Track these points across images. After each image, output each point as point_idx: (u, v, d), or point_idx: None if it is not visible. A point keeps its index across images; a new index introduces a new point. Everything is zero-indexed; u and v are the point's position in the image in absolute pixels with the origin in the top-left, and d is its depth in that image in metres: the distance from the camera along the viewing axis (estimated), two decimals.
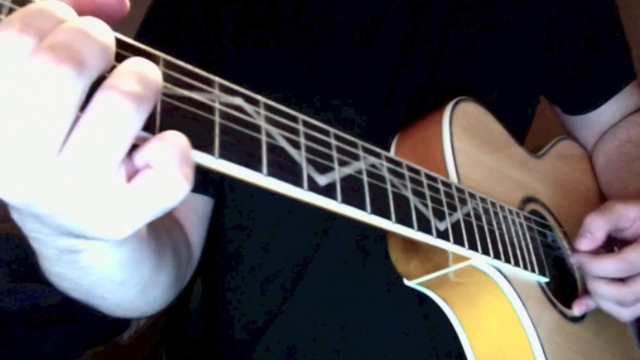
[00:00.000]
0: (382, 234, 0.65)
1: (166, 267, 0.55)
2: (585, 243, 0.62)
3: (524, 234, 0.62)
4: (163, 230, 0.57)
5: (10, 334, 1.37)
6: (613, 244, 0.66)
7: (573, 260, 0.65)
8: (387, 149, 0.65)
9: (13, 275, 1.60)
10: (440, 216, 0.51)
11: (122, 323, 1.53)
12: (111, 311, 0.53)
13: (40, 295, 1.50)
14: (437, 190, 0.52)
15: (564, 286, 0.68)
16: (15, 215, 0.36)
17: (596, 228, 0.62)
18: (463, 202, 0.55)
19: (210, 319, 0.82)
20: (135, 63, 0.30)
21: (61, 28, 0.27)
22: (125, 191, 0.30)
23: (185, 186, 0.30)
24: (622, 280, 0.61)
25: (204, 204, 0.70)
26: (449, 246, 0.51)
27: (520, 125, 0.80)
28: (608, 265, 0.60)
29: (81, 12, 0.31)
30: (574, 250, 0.65)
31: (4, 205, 0.31)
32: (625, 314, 0.62)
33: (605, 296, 0.62)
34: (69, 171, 0.28)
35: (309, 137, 0.41)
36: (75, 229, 0.31)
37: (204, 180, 0.68)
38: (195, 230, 0.68)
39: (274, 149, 0.38)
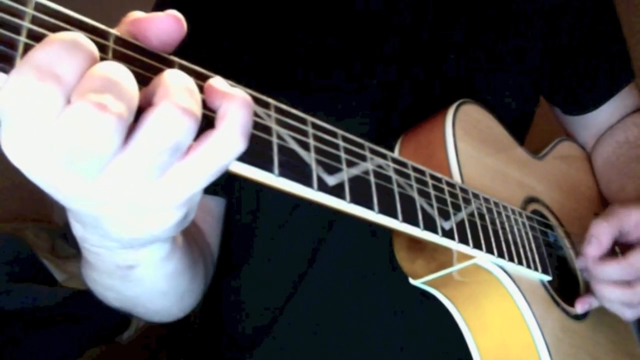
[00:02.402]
0: (386, 233, 0.65)
1: (200, 276, 0.59)
2: (592, 248, 0.62)
3: (526, 233, 0.63)
4: (192, 241, 0.59)
5: (10, 334, 1.37)
6: (616, 247, 0.67)
7: (579, 264, 0.65)
8: (391, 151, 0.65)
9: (13, 275, 1.60)
10: (445, 216, 0.51)
11: (122, 323, 1.53)
12: (149, 317, 0.57)
13: (40, 295, 1.50)
14: (441, 190, 0.53)
15: (566, 285, 0.69)
16: (79, 232, 0.38)
17: (601, 233, 0.62)
18: (467, 202, 0.55)
19: (212, 317, 0.82)
20: (180, 77, 0.31)
21: (95, 80, 0.28)
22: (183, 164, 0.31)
23: (242, 144, 0.32)
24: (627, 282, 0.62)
25: (218, 205, 0.71)
26: (454, 245, 0.52)
27: (520, 126, 0.81)
28: (613, 269, 0.61)
29: (144, 40, 0.32)
30: (579, 255, 0.66)
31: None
32: (629, 314, 0.62)
33: (612, 299, 0.62)
34: (124, 180, 0.30)
35: (317, 139, 0.42)
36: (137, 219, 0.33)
37: (217, 181, 0.68)
38: (213, 233, 0.70)
39: (284, 150, 0.38)
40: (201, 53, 0.69)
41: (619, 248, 0.65)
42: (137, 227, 0.34)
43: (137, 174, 0.30)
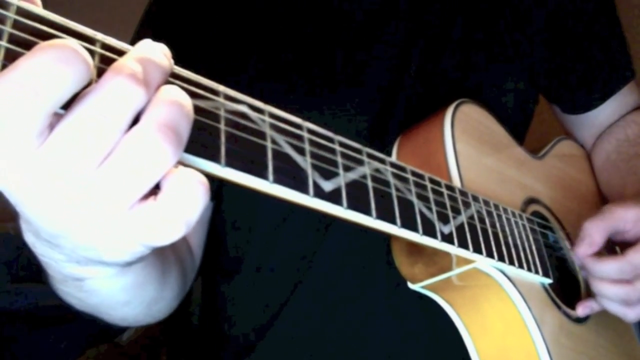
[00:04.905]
0: (384, 237, 0.64)
1: (171, 283, 0.56)
2: (585, 247, 0.62)
3: (527, 236, 0.62)
4: (168, 247, 0.57)
5: (10, 334, 1.37)
6: (614, 246, 0.66)
7: (576, 260, 0.65)
8: (389, 152, 0.65)
9: (13, 275, 1.60)
10: (444, 220, 0.51)
11: None
12: (116, 323, 0.54)
13: (40, 295, 1.50)
14: (440, 194, 0.52)
15: (567, 286, 0.68)
16: (30, 239, 0.37)
17: (594, 232, 0.62)
18: (467, 205, 0.55)
19: (211, 319, 0.82)
20: (173, 93, 0.31)
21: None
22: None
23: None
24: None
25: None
26: (453, 249, 0.51)
27: (519, 124, 0.80)
28: (610, 267, 0.61)
29: None
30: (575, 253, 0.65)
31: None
32: (631, 315, 0.62)
33: (610, 296, 0.62)
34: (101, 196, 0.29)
35: (313, 144, 0.41)
36: (87, 247, 0.32)
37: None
38: (197, 235, 0.69)
39: (279, 155, 0.38)
40: (201, 54, 0.69)
41: (619, 247, 0.64)
42: (95, 250, 0.33)
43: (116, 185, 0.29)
